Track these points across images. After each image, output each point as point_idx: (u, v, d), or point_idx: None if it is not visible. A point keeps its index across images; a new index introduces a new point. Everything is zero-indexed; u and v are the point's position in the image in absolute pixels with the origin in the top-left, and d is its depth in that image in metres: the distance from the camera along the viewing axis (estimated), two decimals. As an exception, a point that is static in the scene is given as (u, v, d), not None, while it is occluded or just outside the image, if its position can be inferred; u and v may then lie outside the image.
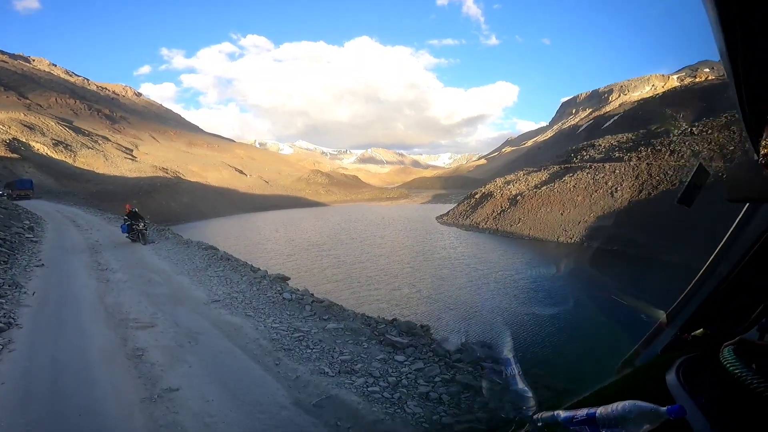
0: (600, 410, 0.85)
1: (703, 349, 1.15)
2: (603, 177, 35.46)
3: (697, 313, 1.31)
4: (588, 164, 38.58)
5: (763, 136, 0.89)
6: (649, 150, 35.29)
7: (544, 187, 39.55)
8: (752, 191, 1.08)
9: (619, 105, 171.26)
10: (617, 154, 39.03)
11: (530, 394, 1.03)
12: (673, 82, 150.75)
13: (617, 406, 0.83)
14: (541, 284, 21.48)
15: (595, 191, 34.27)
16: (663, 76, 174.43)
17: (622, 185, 33.07)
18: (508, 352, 1.13)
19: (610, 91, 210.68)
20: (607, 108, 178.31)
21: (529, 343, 15.05)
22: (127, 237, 13.80)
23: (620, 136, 46.32)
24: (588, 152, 45.11)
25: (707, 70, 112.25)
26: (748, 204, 1.20)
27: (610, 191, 33.42)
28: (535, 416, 0.99)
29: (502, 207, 42.51)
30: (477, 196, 51.70)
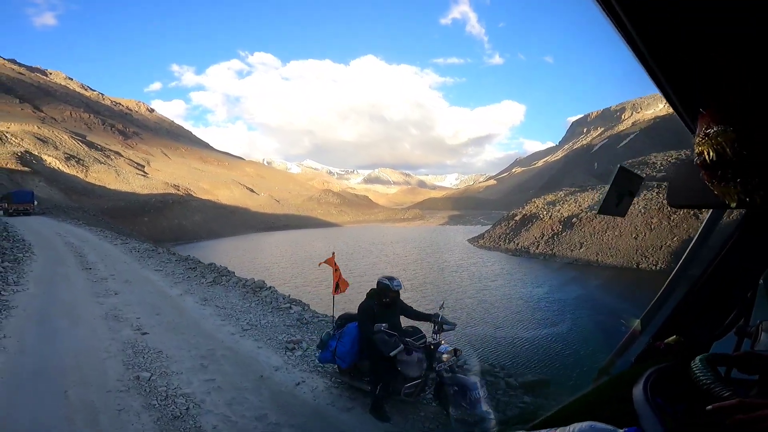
0: None
1: (676, 358, 1.06)
2: (679, 197, 31.87)
3: (670, 319, 1.23)
4: (655, 183, 35.02)
5: (696, 131, 0.79)
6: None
7: (605, 208, 35.88)
8: (692, 197, 1.03)
9: (633, 123, 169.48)
10: (683, 172, 35.56)
11: (492, 417, 1.06)
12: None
13: (574, 427, 0.74)
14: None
15: (674, 212, 30.66)
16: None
17: (707, 206, 29.48)
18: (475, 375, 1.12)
19: (623, 110, 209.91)
20: (621, 127, 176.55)
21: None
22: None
23: (673, 153, 43.04)
24: (642, 170, 41.69)
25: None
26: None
27: (693, 212, 29.77)
28: None
29: (553, 230, 38.88)
30: (517, 218, 48.17)
